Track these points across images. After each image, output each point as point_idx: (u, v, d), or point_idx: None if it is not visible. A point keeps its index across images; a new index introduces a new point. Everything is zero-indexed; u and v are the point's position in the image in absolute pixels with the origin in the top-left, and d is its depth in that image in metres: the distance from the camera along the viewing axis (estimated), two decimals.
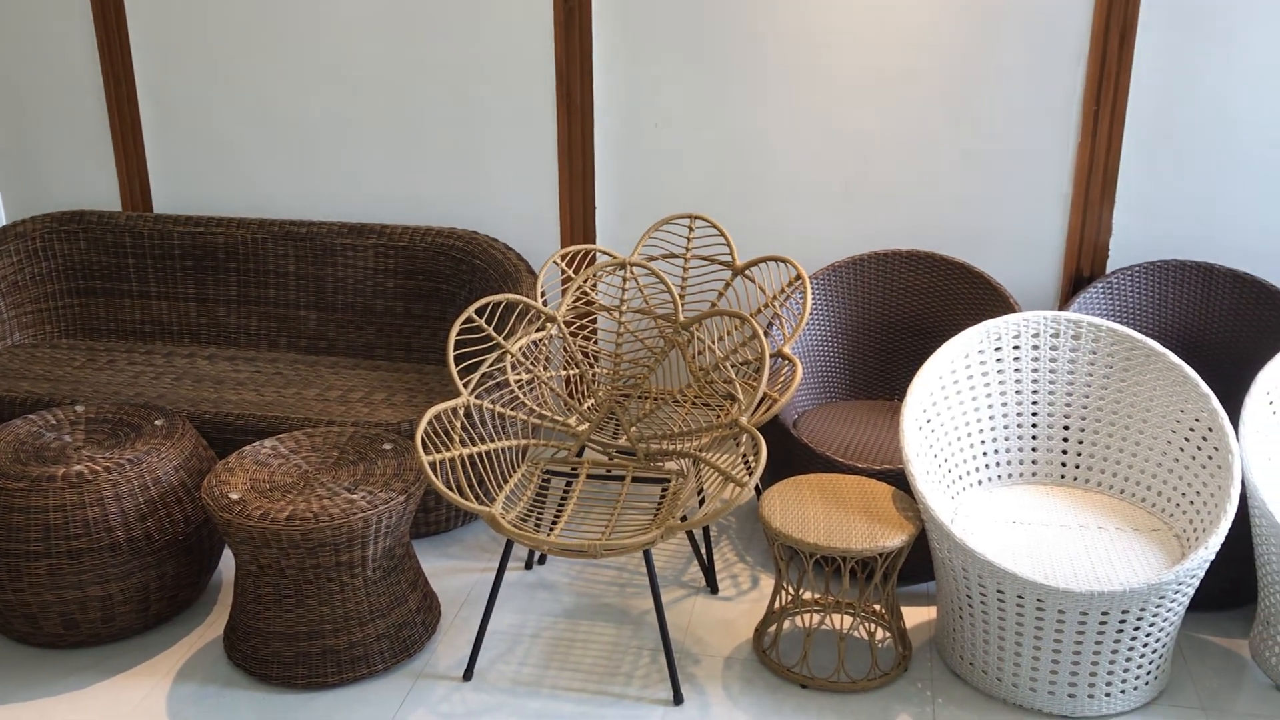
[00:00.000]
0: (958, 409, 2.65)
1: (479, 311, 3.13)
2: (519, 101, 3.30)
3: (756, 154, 3.24)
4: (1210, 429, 2.47)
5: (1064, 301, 3.15)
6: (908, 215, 3.21)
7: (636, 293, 3.33)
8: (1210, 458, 2.45)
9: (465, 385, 2.56)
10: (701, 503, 2.50)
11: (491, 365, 2.68)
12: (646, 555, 2.38)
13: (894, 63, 3.07)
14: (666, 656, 2.42)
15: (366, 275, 3.46)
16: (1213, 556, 2.30)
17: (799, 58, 3.12)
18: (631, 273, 2.92)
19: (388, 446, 2.65)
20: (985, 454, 2.68)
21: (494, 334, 2.65)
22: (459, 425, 2.50)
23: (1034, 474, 2.70)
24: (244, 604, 2.50)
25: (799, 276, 2.91)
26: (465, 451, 2.48)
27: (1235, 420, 2.86)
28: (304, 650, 2.46)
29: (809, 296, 2.85)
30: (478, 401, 2.58)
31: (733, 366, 2.78)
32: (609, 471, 2.71)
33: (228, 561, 2.99)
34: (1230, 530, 2.49)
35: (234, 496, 2.43)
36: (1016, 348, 2.67)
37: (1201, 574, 2.32)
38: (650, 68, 3.21)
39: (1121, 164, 3.03)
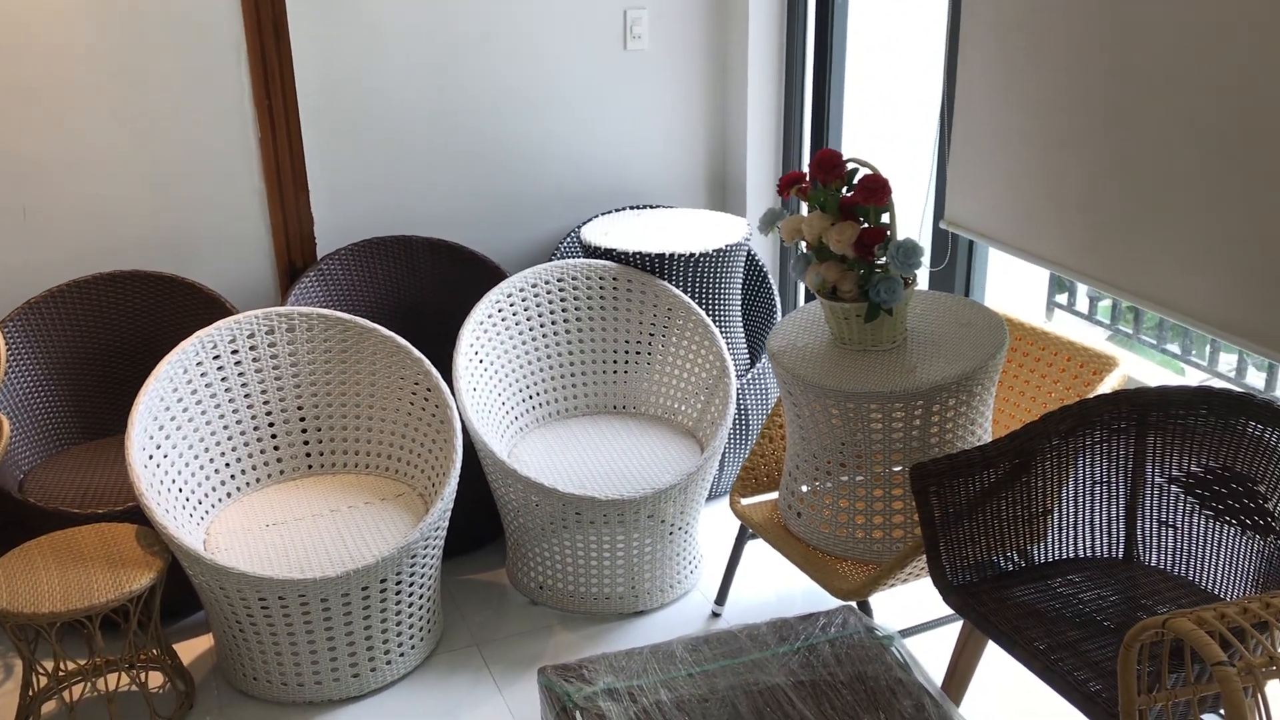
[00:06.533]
0: (189, 429, 2.55)
1: None
2: None
3: None
4: (429, 389, 2.65)
5: (284, 295, 3.18)
6: (108, 234, 2.99)
7: None
8: (434, 414, 2.63)
9: None
10: None
11: None
12: None
13: (38, 74, 2.82)
14: None
15: None
16: (450, 505, 2.48)
17: None
18: None
19: None
20: (228, 464, 2.62)
21: None
22: None
23: (281, 472, 2.70)
24: None
25: None
26: None
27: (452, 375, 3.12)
28: None
29: (1, 344, 2.55)
30: None
31: None
32: None
33: None
34: (470, 475, 2.71)
35: None
36: (235, 352, 2.63)
37: (445, 524, 2.50)
38: None
39: (307, 155, 3.10)
